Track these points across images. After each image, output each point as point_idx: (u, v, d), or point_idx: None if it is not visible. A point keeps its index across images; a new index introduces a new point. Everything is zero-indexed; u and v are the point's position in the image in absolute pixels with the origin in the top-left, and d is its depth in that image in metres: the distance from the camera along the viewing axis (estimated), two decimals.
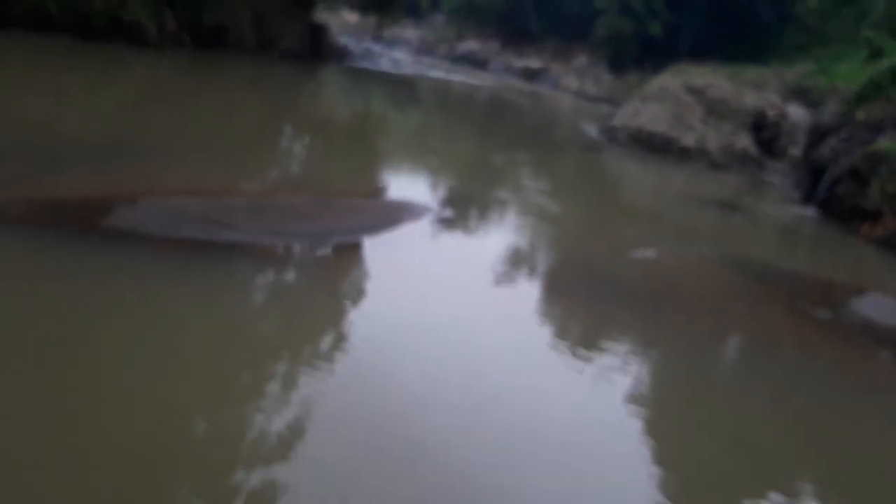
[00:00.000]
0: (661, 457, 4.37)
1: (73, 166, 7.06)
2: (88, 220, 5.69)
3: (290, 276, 5.96)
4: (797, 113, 17.93)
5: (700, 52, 23.17)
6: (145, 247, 5.56)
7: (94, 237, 5.52)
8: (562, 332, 6.01)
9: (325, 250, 6.61)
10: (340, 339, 5.03)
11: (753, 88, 18.96)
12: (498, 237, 8.57)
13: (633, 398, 5.09)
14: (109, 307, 4.63)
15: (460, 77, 30.59)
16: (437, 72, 30.42)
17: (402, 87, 23.52)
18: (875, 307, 8.07)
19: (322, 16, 24.95)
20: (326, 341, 4.99)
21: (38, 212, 5.66)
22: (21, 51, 12.68)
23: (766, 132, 17.89)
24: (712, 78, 19.11)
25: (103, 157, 7.56)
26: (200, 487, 3.29)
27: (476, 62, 38.57)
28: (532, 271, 7.49)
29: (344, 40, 26.71)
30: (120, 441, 3.39)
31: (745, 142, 17.85)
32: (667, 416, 5.08)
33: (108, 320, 4.48)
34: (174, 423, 3.64)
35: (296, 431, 3.79)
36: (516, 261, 7.66)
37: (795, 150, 17.19)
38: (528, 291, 6.93)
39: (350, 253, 6.68)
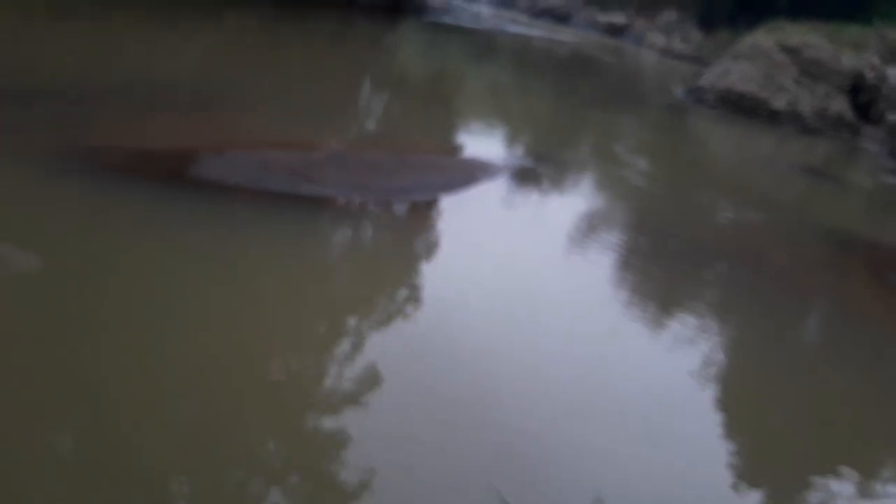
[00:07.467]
0: (733, 427, 4.37)
1: (162, 114, 7.40)
2: (177, 169, 5.98)
3: (368, 230, 6.13)
4: None
5: (798, 8, 21.84)
6: (231, 196, 5.81)
7: (183, 185, 5.79)
8: (637, 297, 5.99)
9: (404, 206, 6.75)
10: (414, 294, 5.17)
11: (852, 48, 17.89)
12: (574, 198, 8.53)
13: (708, 365, 5.06)
14: (195, 252, 4.91)
15: (541, 32, 29.98)
16: (518, 27, 29.87)
17: (481, 43, 23.27)
18: None
19: None
20: (401, 295, 5.14)
21: (130, 159, 5.97)
22: (112, 2, 13.19)
23: (863, 95, 16.93)
24: (810, 37, 18.10)
25: (192, 106, 7.88)
26: (271, 428, 3.49)
27: (558, 17, 37.68)
28: (608, 234, 7.44)
29: None
30: (196, 380, 3.63)
31: (840, 105, 16.95)
32: (741, 386, 5.05)
33: (194, 264, 4.75)
34: (249, 366, 3.85)
35: (365, 381, 3.95)
36: (592, 223, 7.62)
37: (894, 116, 16.21)
38: (603, 254, 6.90)
39: (427, 210, 6.80)
